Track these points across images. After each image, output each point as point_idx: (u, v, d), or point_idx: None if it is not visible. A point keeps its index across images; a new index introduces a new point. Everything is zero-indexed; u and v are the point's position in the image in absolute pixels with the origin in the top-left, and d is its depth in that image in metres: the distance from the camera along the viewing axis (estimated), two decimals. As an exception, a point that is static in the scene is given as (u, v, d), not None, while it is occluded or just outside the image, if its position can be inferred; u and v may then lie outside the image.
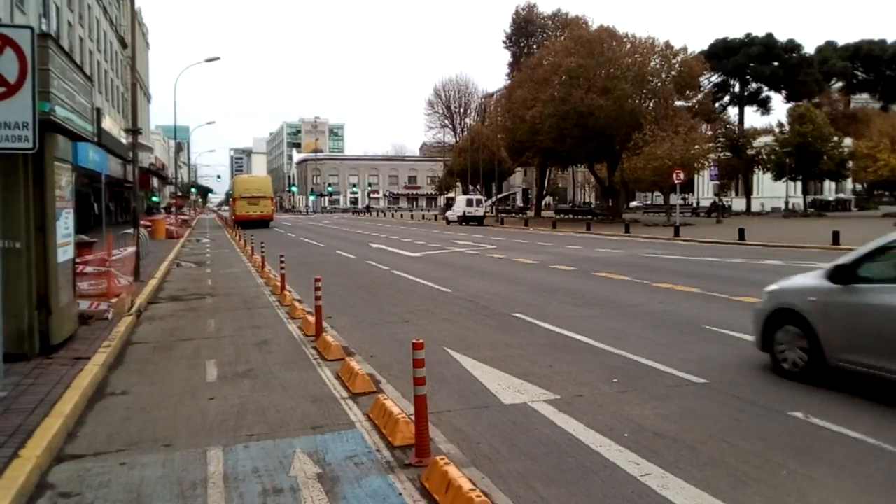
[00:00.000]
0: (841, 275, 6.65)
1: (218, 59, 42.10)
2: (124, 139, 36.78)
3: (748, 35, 74.78)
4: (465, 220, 53.60)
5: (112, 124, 37.83)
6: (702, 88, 58.29)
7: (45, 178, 8.01)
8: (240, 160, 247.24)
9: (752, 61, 72.61)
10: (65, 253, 8.66)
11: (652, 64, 50.09)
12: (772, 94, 77.08)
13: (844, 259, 6.84)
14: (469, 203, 55.45)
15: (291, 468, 4.91)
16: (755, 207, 67.47)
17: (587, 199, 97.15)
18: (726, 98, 77.00)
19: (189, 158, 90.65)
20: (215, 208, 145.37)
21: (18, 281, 7.69)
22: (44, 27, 27.80)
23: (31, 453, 4.92)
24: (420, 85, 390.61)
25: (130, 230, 20.06)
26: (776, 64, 72.97)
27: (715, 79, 73.80)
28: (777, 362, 7.18)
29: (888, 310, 6.05)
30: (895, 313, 6.00)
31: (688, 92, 53.17)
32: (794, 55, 73.24)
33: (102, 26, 44.38)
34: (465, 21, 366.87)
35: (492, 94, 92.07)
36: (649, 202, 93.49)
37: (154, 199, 64.45)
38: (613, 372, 7.41)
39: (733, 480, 4.56)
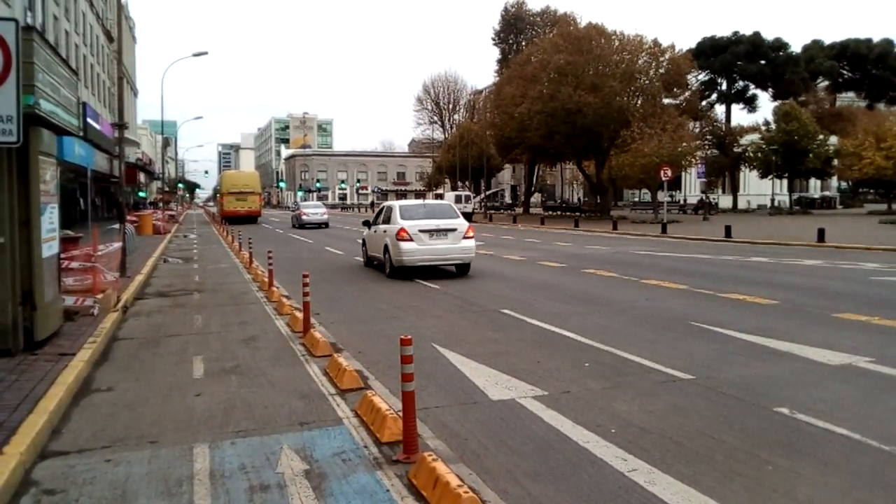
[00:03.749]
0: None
1: (206, 53, 41.92)
2: (110, 133, 36.49)
3: (735, 33, 74.99)
4: (453, 216, 53.51)
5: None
6: (689, 86, 58.39)
7: (30, 173, 7.93)
8: (227, 155, 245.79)
9: (739, 59, 72.86)
10: (50, 248, 8.59)
11: (640, 61, 50.22)
12: (758, 92, 77.34)
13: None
14: (458, 199, 55.41)
15: (278, 465, 4.89)
16: (742, 205, 67.88)
17: (577, 196, 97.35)
18: (713, 96, 77.17)
19: (176, 153, 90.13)
20: (202, 204, 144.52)
21: (2, 276, 7.62)
22: (29, 20, 27.51)
23: (15, 450, 4.87)
24: (409, 81, 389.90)
25: (116, 225, 19.93)
26: (763, 62, 73.27)
27: (702, 77, 73.95)
28: None
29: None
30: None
31: (675, 90, 53.33)
32: (781, 54, 73.55)
33: (88, 20, 43.98)
34: (454, 17, 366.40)
35: (481, 91, 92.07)
36: (637, 199, 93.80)
37: (141, 194, 64.03)
38: (601, 368, 7.44)
39: (720, 476, 4.59)
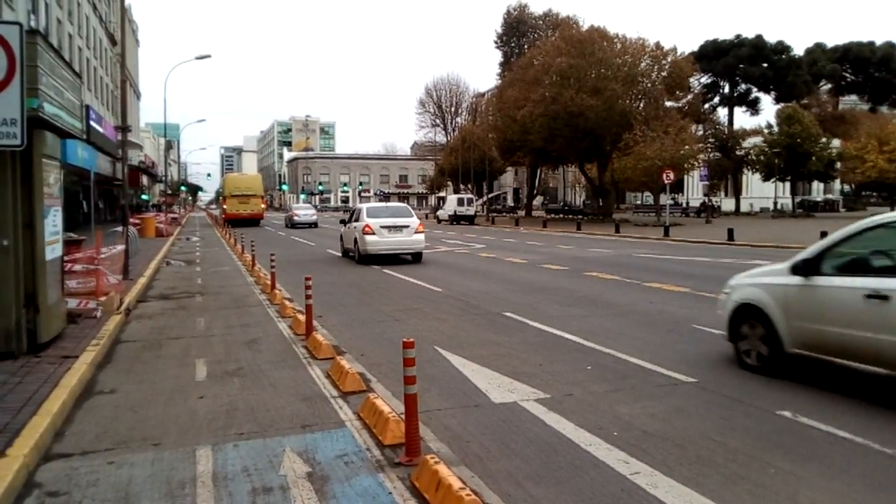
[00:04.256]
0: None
1: (208, 56, 41.99)
2: (113, 136, 36.57)
3: (738, 36, 75.16)
4: (455, 219, 53.69)
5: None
6: (691, 89, 58.51)
7: (34, 176, 7.95)
8: (230, 158, 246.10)
9: (741, 62, 72.98)
10: (53, 251, 8.61)
11: (642, 64, 50.27)
12: (761, 95, 77.55)
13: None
14: (460, 202, 55.55)
15: (281, 467, 4.90)
16: (744, 208, 67.86)
17: (579, 199, 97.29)
18: (716, 99, 77.39)
19: (179, 156, 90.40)
20: (205, 207, 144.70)
21: (6, 278, 7.64)
22: (32, 24, 27.60)
23: (19, 452, 4.89)
24: (411, 84, 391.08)
25: (119, 228, 19.97)
26: (765, 65, 73.38)
27: (705, 80, 74.16)
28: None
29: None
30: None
31: (678, 92, 53.41)
32: (784, 56, 73.66)
33: (92, 23, 44.11)
34: (457, 21, 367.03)
35: (483, 94, 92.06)
36: (639, 202, 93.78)
37: (143, 197, 64.11)
38: (603, 371, 7.44)
39: (722, 479, 4.59)
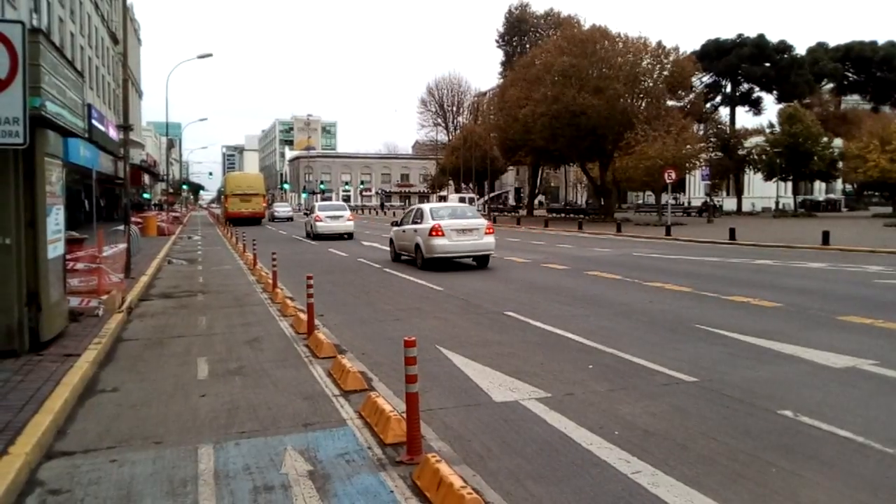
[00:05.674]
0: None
1: (210, 55, 41.93)
2: (115, 135, 36.61)
3: (740, 36, 75.05)
4: (457, 218, 53.73)
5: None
6: (693, 89, 58.37)
7: (36, 174, 7.97)
8: (232, 157, 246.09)
9: (743, 62, 72.86)
10: (55, 249, 8.62)
11: (644, 64, 50.11)
12: (763, 94, 77.37)
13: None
14: (461, 201, 55.56)
15: (283, 465, 4.90)
16: (746, 207, 67.74)
17: (581, 199, 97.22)
18: (718, 98, 77.25)
19: (181, 155, 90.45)
20: (207, 206, 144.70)
21: (8, 277, 7.66)
22: (35, 22, 27.64)
23: (21, 450, 4.90)
24: (413, 83, 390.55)
25: (121, 227, 19.99)
26: (767, 65, 73.25)
27: (707, 79, 74.06)
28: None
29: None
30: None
31: (679, 92, 53.27)
32: (786, 56, 73.54)
33: (94, 22, 44.15)
34: (459, 20, 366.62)
35: (484, 93, 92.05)
36: (641, 202, 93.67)
37: (145, 195, 64.18)
38: (604, 370, 7.44)
39: (723, 478, 4.59)
